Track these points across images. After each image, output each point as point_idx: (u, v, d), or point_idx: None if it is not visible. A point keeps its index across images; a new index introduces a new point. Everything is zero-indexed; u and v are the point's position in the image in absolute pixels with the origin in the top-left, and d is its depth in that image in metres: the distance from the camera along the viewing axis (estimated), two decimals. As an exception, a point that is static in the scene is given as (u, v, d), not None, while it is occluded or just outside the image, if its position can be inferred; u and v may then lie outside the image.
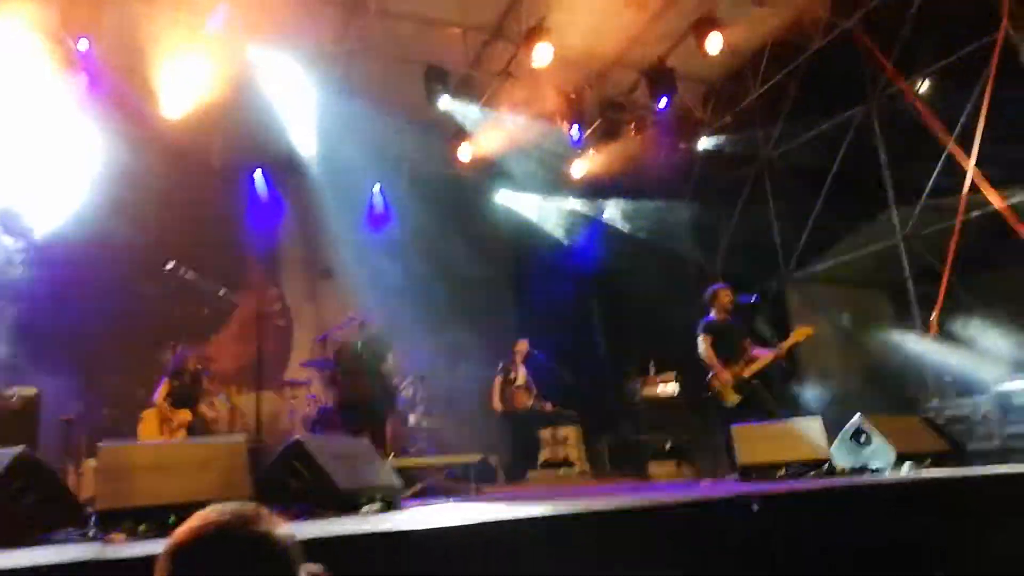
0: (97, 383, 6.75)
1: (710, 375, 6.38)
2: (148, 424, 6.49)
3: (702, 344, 6.38)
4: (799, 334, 6.32)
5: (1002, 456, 6.28)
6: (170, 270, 4.55)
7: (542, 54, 8.36)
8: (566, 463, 8.59)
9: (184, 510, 3.13)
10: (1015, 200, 7.20)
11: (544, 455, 8.66)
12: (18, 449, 3.21)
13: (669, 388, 8.28)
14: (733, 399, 6.18)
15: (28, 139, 8.18)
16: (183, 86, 8.06)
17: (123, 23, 7.28)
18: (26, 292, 7.84)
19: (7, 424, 6.05)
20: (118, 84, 7.97)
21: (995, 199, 7.30)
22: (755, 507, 2.83)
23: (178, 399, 6.66)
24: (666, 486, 6.03)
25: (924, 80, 8.54)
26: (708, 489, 4.47)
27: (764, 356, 6.30)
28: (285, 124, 9.07)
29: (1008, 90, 7.42)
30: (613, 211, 11.71)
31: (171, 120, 8.29)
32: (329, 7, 8.10)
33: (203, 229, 8.79)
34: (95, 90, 7.78)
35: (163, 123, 8.43)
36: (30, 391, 6.36)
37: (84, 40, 7.06)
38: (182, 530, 1.20)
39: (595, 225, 11.72)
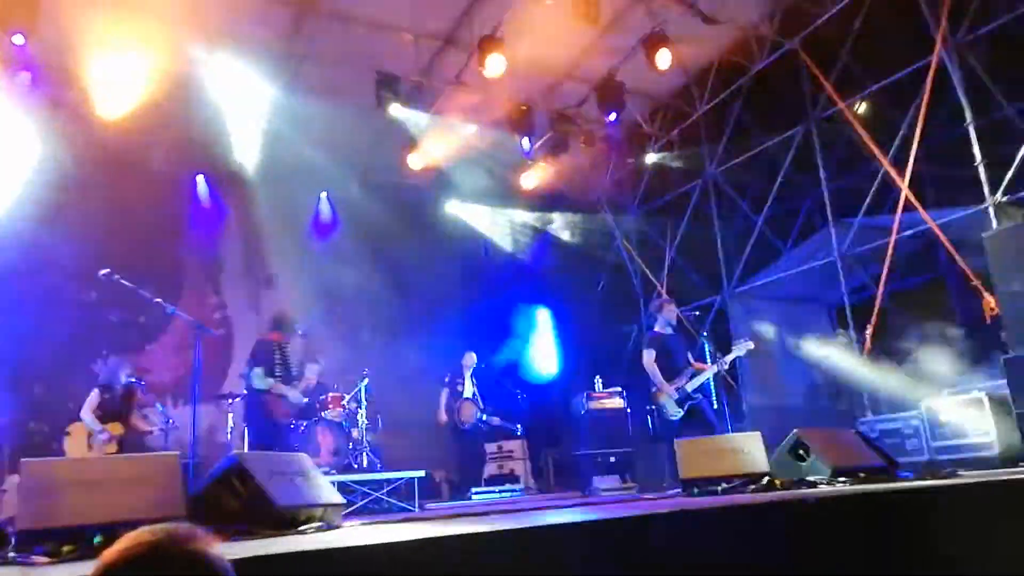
0: (23, 395, 6.44)
1: (654, 390, 6.47)
2: (76, 439, 6.22)
3: (646, 358, 6.47)
4: (741, 348, 6.48)
5: (930, 468, 6.50)
6: (104, 275, 4.37)
7: (494, 64, 8.36)
8: (511, 477, 8.57)
9: (112, 530, 3.02)
10: (947, 219, 7.50)
11: (490, 469, 8.64)
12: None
13: (614, 402, 8.34)
14: (676, 413, 6.30)
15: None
16: (123, 86, 7.80)
17: (59, 19, 7.00)
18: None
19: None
20: (55, 82, 7.68)
21: (927, 218, 7.59)
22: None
23: (108, 412, 6.41)
24: (609, 500, 6.04)
25: (861, 101, 8.86)
26: (651, 504, 4.49)
27: (706, 370, 6.45)
28: (229, 128, 8.87)
29: (941, 112, 7.76)
30: (561, 224, 11.80)
31: (110, 121, 8.01)
32: (278, 6, 7.95)
33: (142, 235, 8.52)
34: (34, 88, 7.48)
35: (102, 125, 8.14)
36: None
37: (19, 35, 6.75)
38: (111, 551, 1.13)
39: (544, 237, 11.78)
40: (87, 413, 6.27)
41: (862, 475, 4.93)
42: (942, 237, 7.47)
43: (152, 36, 7.49)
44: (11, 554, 2.77)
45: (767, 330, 9.31)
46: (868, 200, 8.20)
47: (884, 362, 8.33)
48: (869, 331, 8.07)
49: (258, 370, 6.15)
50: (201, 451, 6.73)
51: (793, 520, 3.37)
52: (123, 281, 4.41)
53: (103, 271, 4.36)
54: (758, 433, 5.28)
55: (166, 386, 8.57)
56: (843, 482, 4.71)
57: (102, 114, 7.86)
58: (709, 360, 6.76)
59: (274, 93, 8.53)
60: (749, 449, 5.09)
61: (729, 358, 6.50)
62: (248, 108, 8.58)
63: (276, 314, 6.63)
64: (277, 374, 6.22)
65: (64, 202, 8.13)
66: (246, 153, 9.22)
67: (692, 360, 6.58)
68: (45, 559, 2.68)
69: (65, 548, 2.82)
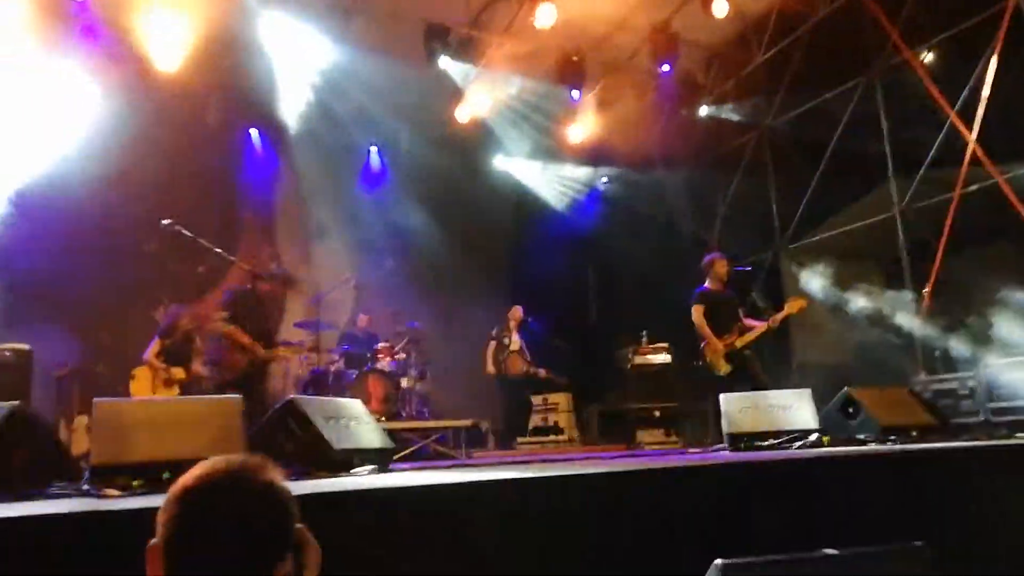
0: (90, 339, 6.75)
1: (702, 344, 6.43)
2: (140, 382, 6.51)
3: (695, 313, 6.41)
4: (792, 306, 6.37)
5: (986, 430, 6.36)
6: (166, 225, 4.53)
7: (545, 14, 8.24)
8: (556, 429, 8.69)
9: (178, 467, 3.18)
10: (1014, 174, 7.18)
11: (534, 421, 8.76)
12: (12, 404, 3.22)
13: (660, 358, 8.33)
14: (724, 369, 6.25)
15: (21, 92, 8.07)
16: (178, 42, 7.92)
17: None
18: (20, 248, 7.81)
19: (0, 380, 6.07)
20: (112, 37, 7.83)
21: (995, 173, 7.28)
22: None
23: (170, 357, 6.69)
24: (653, 454, 6.09)
25: (929, 51, 8.44)
26: (695, 456, 4.53)
27: (757, 327, 6.37)
28: (281, 82, 8.95)
29: (1014, 63, 7.35)
30: (611, 178, 11.65)
31: (166, 77, 8.16)
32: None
33: (198, 187, 8.72)
34: (89, 42, 7.65)
35: (157, 78, 8.30)
36: (23, 347, 6.36)
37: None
38: (189, 476, 1.20)
39: (592, 192, 11.67)
40: (151, 357, 6.56)
41: (913, 434, 4.87)
42: (1009, 192, 7.15)
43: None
44: (85, 487, 2.95)
45: (820, 286, 9.11)
46: (932, 153, 7.88)
47: (942, 321, 8.10)
48: (928, 289, 7.84)
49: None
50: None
51: (841, 477, 3.37)
52: (184, 231, 4.55)
53: (165, 221, 4.50)
54: (807, 390, 5.23)
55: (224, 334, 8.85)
56: (893, 440, 4.66)
57: (158, 69, 8.00)
58: (760, 317, 6.66)
59: (324, 46, 8.54)
60: (798, 406, 5.06)
61: (780, 316, 6.40)
62: (299, 61, 8.63)
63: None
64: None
65: (123, 156, 8.34)
66: (298, 106, 9.31)
67: (743, 317, 6.51)
68: (117, 492, 2.84)
69: (135, 482, 2.99)
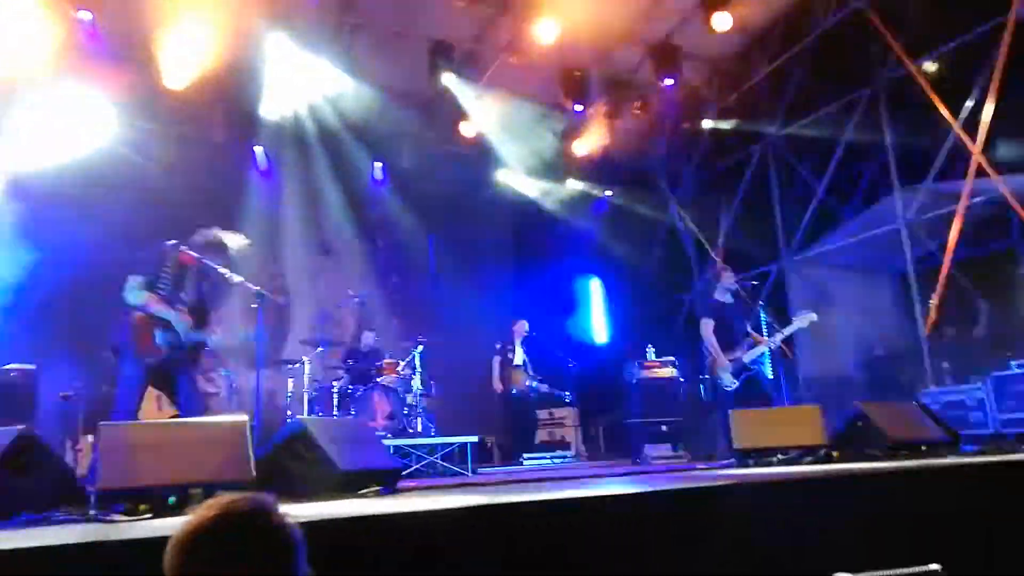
0: (96, 360, 6.73)
1: (709, 358, 6.40)
2: (147, 402, 6.48)
3: (704, 327, 6.37)
4: (802, 320, 6.30)
5: (996, 443, 6.31)
6: (171, 245, 4.54)
7: (547, 30, 8.29)
8: (562, 444, 8.65)
9: (185, 490, 3.17)
10: (1020, 186, 7.16)
11: (540, 436, 8.72)
12: (19, 428, 3.21)
13: (666, 371, 8.29)
14: (731, 383, 6.22)
15: (29, 107, 8.15)
16: (185, 57, 7.98)
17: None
18: (24, 266, 7.83)
19: (5, 400, 6.07)
20: (121, 57, 7.89)
21: (1000, 183, 7.26)
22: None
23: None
24: (661, 469, 6.05)
25: (932, 62, 8.45)
26: (705, 474, 4.49)
27: (764, 341, 6.33)
28: (287, 100, 9.00)
29: (1017, 73, 7.35)
30: (614, 191, 11.67)
31: (173, 92, 8.22)
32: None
33: (203, 203, 8.72)
34: (97, 60, 7.73)
35: (166, 97, 8.38)
36: (28, 367, 6.37)
37: (86, 12, 6.98)
38: (200, 517, 1.18)
39: (596, 205, 11.68)
40: None
41: (923, 448, 4.83)
42: (1015, 204, 7.13)
43: (211, 11, 7.62)
44: (91, 512, 2.93)
45: (826, 299, 9.09)
46: (936, 165, 7.87)
47: (949, 333, 8.07)
48: (934, 301, 7.81)
49: (135, 280, 4.49)
50: (262, 415, 6.97)
51: (851, 493, 3.33)
52: (189, 252, 4.55)
53: (170, 242, 4.51)
54: (816, 405, 5.20)
55: (228, 351, 8.84)
56: (903, 456, 4.62)
57: (166, 86, 8.05)
58: (766, 331, 6.64)
59: (329, 64, 8.58)
60: (806, 421, 5.02)
61: (789, 330, 6.35)
62: (304, 78, 8.67)
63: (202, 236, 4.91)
64: (160, 288, 4.53)
65: (129, 171, 8.41)
66: (302, 123, 9.35)
67: (750, 331, 6.47)
68: (123, 517, 2.82)
69: (141, 507, 2.97)
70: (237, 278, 4.74)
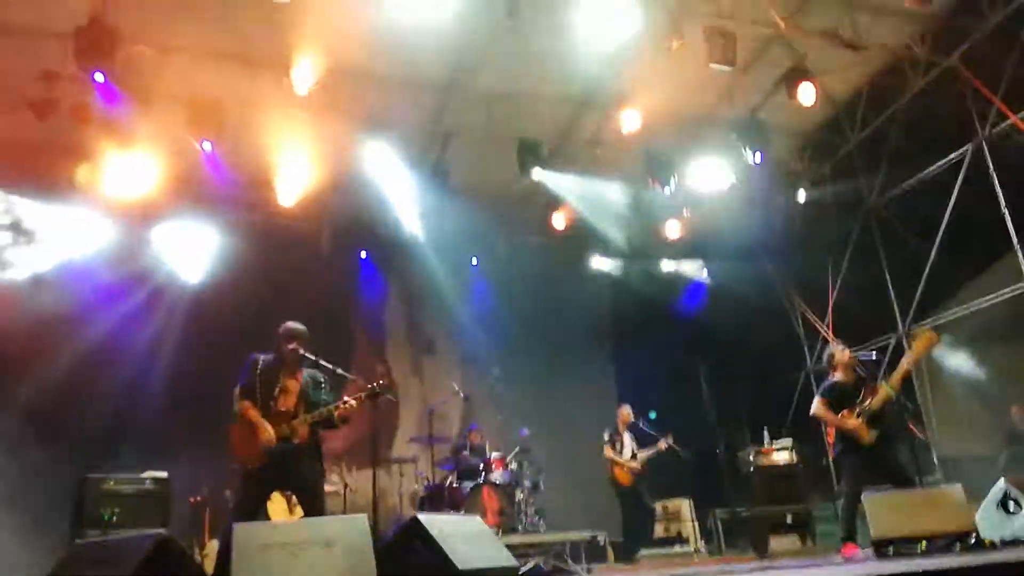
0: (221, 465, 7.05)
1: (829, 439, 5.96)
2: (276, 503, 6.71)
3: (816, 406, 5.90)
4: (923, 341, 5.71)
5: None
6: (290, 350, 4.77)
7: (630, 120, 8.49)
8: (679, 540, 8.24)
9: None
10: None
11: (656, 531, 8.34)
12: (158, 532, 3.37)
13: (784, 456, 7.84)
14: (870, 437, 5.48)
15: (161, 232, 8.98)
16: (295, 176, 8.62)
17: (241, 123, 7.89)
18: (152, 378, 8.41)
19: (142, 506, 6.40)
20: (238, 181, 8.61)
21: None
22: None
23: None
24: (793, 565, 5.61)
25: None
26: (843, 570, 4.16)
27: (881, 396, 5.67)
28: (388, 206, 9.50)
29: None
30: (712, 269, 11.51)
31: (285, 209, 8.86)
32: (428, 91, 8.54)
33: (314, 310, 9.18)
34: (215, 184, 8.47)
35: (279, 213, 9.04)
36: (162, 475, 6.72)
37: (208, 143, 7.70)
38: None
39: (696, 286, 11.52)
40: None
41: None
42: None
43: (316, 130, 8.27)
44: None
45: (957, 369, 8.49)
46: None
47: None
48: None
49: (237, 390, 4.69)
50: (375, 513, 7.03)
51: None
52: (307, 355, 4.77)
53: (291, 347, 4.73)
54: (958, 485, 4.79)
55: (339, 451, 9.06)
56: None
57: (279, 201, 8.69)
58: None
59: (424, 170, 9.06)
60: (949, 504, 4.62)
61: (913, 357, 5.64)
62: (402, 186, 9.16)
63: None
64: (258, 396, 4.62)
65: (248, 286, 9.00)
66: (403, 228, 9.82)
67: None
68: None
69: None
70: (350, 376, 4.91)
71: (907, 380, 8.65)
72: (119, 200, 8.10)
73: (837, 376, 5.85)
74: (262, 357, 4.79)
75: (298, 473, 4.59)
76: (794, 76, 8.34)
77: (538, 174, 9.14)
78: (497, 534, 6.38)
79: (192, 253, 9.14)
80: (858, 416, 5.56)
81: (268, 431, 4.51)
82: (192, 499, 7.27)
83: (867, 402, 5.58)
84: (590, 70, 8.17)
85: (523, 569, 6.03)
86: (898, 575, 3.00)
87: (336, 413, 4.62)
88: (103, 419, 7.76)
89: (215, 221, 9.23)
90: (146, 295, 8.68)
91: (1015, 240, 7.97)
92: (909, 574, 3.02)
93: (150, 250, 8.94)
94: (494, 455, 7.79)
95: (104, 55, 6.48)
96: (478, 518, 4.53)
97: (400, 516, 7.27)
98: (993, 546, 4.21)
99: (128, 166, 7.79)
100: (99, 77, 6.65)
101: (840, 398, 5.74)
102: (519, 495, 7.57)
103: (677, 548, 7.87)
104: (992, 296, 8.29)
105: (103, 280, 8.36)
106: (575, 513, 8.59)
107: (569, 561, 6.65)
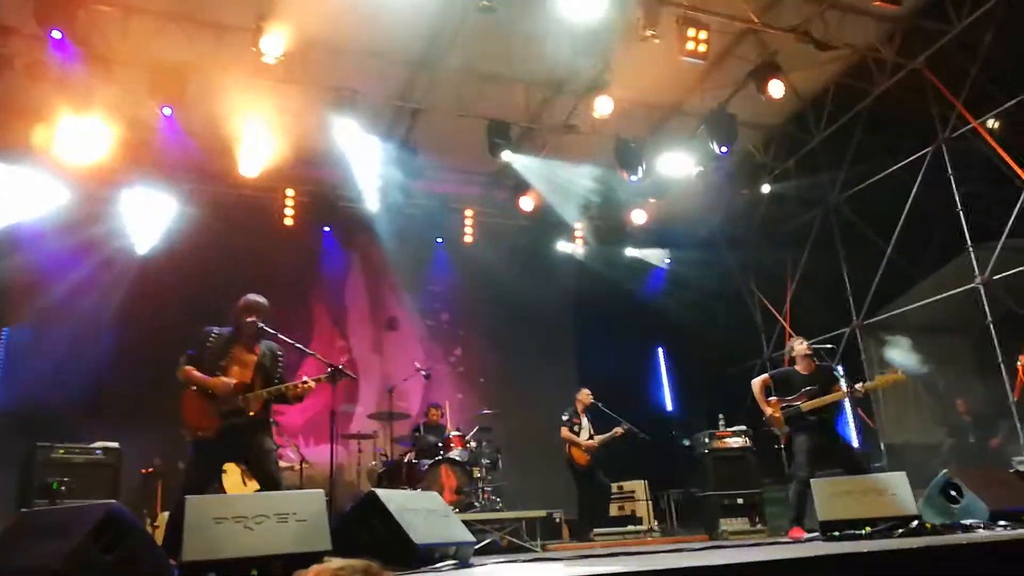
0: (173, 436, 6.96)
1: (764, 417, 6.06)
2: (231, 476, 6.64)
3: (756, 380, 6.10)
4: (885, 379, 5.98)
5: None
6: (249, 323, 4.67)
7: (603, 105, 8.51)
8: (633, 519, 8.37)
9: (265, 563, 3.19)
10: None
11: (612, 510, 8.47)
12: (107, 503, 3.31)
13: (739, 442, 8.01)
14: (782, 429, 5.85)
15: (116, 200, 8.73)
16: (258, 147, 8.46)
17: (205, 91, 7.70)
18: (107, 347, 8.22)
19: (92, 476, 6.28)
20: (198, 147, 8.42)
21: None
22: None
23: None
24: (741, 544, 5.77)
25: (995, 118, 8.32)
26: (789, 548, 4.28)
27: (831, 395, 5.82)
28: (353, 181, 9.39)
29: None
30: (675, 259, 11.64)
31: (245, 180, 8.70)
32: (398, 67, 8.42)
33: (274, 284, 9.06)
34: (175, 152, 8.28)
35: (238, 183, 8.87)
36: (113, 445, 6.60)
37: (168, 108, 7.52)
38: None
39: (658, 273, 11.65)
40: None
41: (1025, 519, 4.53)
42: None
43: (280, 99, 8.11)
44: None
45: (904, 363, 8.75)
46: (1011, 221, 7.64)
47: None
48: (1022, 362, 7.44)
49: (183, 358, 4.54)
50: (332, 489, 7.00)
51: (949, 567, 3.14)
52: (267, 328, 4.69)
53: (249, 319, 4.65)
54: (903, 473, 4.95)
55: (298, 427, 8.99)
56: (1004, 526, 4.34)
57: (240, 172, 8.53)
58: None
59: (392, 146, 8.95)
60: (894, 490, 4.78)
61: (869, 385, 6.00)
62: (369, 161, 9.05)
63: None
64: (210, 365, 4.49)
65: (205, 257, 8.82)
66: (368, 203, 9.72)
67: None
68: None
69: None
70: (310, 351, 4.86)
71: (859, 371, 8.96)
72: (74, 164, 7.85)
73: (797, 367, 6.02)
74: (216, 330, 4.67)
75: (250, 446, 4.50)
76: (764, 71, 8.44)
77: (507, 156, 9.11)
78: (455, 511, 6.41)
79: (149, 222, 8.92)
80: (783, 408, 5.81)
81: (225, 382, 4.42)
82: (144, 470, 7.16)
83: (814, 395, 5.78)
84: (564, 54, 8.16)
85: (479, 545, 6.10)
86: (843, 555, 3.09)
87: (290, 392, 4.55)
88: (54, 388, 7.56)
89: (174, 190, 9.02)
90: (100, 262, 8.42)
91: (968, 240, 8.22)
92: (853, 555, 3.11)
93: (106, 217, 8.68)
94: (453, 433, 7.80)
95: (65, 13, 6.28)
96: (436, 494, 4.55)
97: (358, 492, 7.24)
98: (935, 530, 4.36)
99: (84, 129, 7.57)
100: (56, 35, 6.43)
101: (785, 383, 5.93)
102: (477, 473, 7.60)
103: (631, 527, 7.99)
104: (945, 294, 8.53)
105: (56, 245, 8.10)
106: (532, 492, 8.66)
107: (525, 537, 6.72)
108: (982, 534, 4.13)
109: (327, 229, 10.16)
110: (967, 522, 4.56)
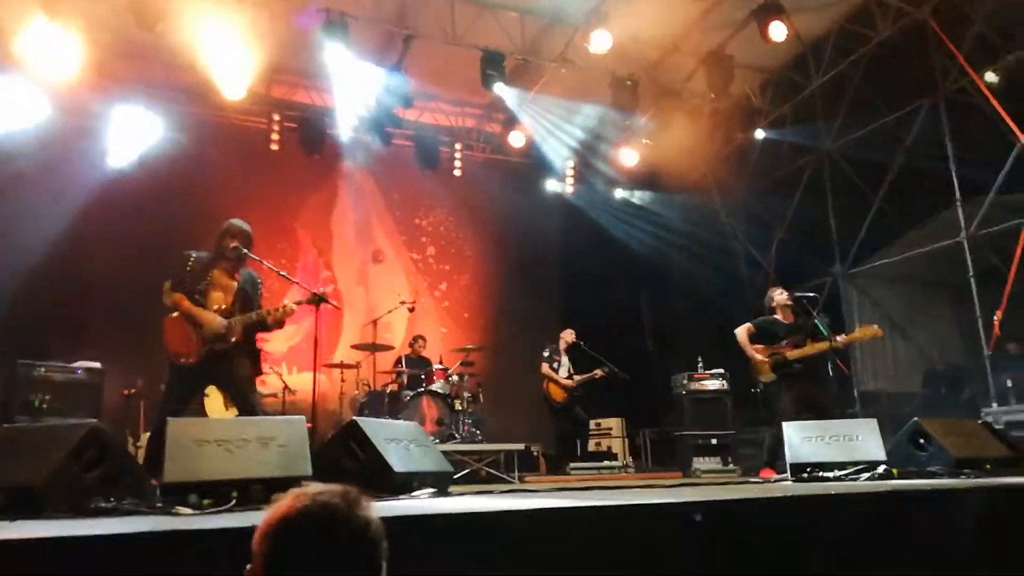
0: (158, 358, 6.98)
1: (749, 365, 6.18)
2: (214, 400, 6.69)
3: (738, 332, 6.19)
4: (864, 332, 6.08)
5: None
6: (232, 248, 4.61)
7: (600, 40, 8.30)
8: (609, 455, 8.56)
9: (246, 486, 3.24)
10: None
11: (588, 446, 8.65)
12: (89, 422, 3.33)
13: (716, 384, 8.14)
14: (767, 377, 5.99)
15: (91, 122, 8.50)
16: (244, 69, 8.22)
17: (189, 9, 7.43)
18: (90, 268, 8.15)
19: (74, 396, 6.31)
20: (179, 69, 8.17)
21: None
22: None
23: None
24: (713, 483, 5.93)
25: (994, 72, 8.21)
26: (757, 488, 4.41)
27: (815, 346, 5.98)
28: (342, 108, 9.19)
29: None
30: (665, 202, 11.59)
31: (230, 103, 8.48)
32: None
33: (259, 210, 8.96)
34: (158, 71, 8.04)
35: (223, 106, 8.64)
36: (95, 365, 6.60)
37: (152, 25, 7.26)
38: (290, 506, 1.18)
39: (646, 216, 11.61)
40: None
41: (988, 467, 4.66)
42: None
43: (268, 21, 7.84)
44: (158, 504, 3.02)
45: (884, 313, 8.86)
46: (1001, 177, 7.64)
47: (1013, 350, 7.79)
48: (998, 317, 7.55)
49: (167, 284, 4.50)
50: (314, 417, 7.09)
51: (916, 512, 3.24)
52: (250, 255, 4.65)
53: (232, 245, 4.59)
54: (874, 420, 5.06)
55: (281, 354, 9.04)
56: (967, 474, 4.47)
57: (225, 94, 8.30)
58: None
59: (384, 73, 8.72)
60: (864, 436, 4.88)
61: (847, 338, 6.13)
62: (359, 88, 8.83)
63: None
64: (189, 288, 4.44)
65: (189, 180, 8.68)
66: (357, 132, 9.54)
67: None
68: (188, 511, 2.90)
69: (205, 501, 3.05)
70: (293, 280, 4.84)
71: (841, 320, 9.06)
72: (57, 79, 7.61)
73: (777, 316, 6.11)
74: (195, 254, 4.61)
75: (231, 372, 4.52)
76: (767, 12, 8.24)
77: (499, 89, 8.92)
78: (435, 442, 6.52)
79: (133, 141, 8.71)
80: (771, 356, 5.90)
81: (212, 318, 4.41)
82: (126, 391, 7.18)
83: (799, 345, 5.90)
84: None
85: (458, 475, 6.24)
86: (810, 495, 3.19)
87: (270, 318, 4.53)
88: (37, 308, 7.52)
89: (158, 110, 8.79)
90: (83, 182, 8.24)
91: (958, 195, 8.22)
92: (821, 495, 3.20)
93: (88, 133, 8.48)
94: (436, 367, 7.88)
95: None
96: (416, 424, 4.61)
97: (340, 420, 7.34)
98: (900, 475, 4.49)
99: (64, 42, 7.30)
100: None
101: (768, 332, 6.03)
102: (459, 406, 7.71)
103: (606, 463, 8.17)
104: (929, 247, 8.58)
105: (37, 162, 7.91)
106: (512, 426, 8.81)
107: (503, 469, 6.87)
108: (945, 481, 4.25)
109: (314, 156, 9.98)
110: (932, 469, 4.69)
